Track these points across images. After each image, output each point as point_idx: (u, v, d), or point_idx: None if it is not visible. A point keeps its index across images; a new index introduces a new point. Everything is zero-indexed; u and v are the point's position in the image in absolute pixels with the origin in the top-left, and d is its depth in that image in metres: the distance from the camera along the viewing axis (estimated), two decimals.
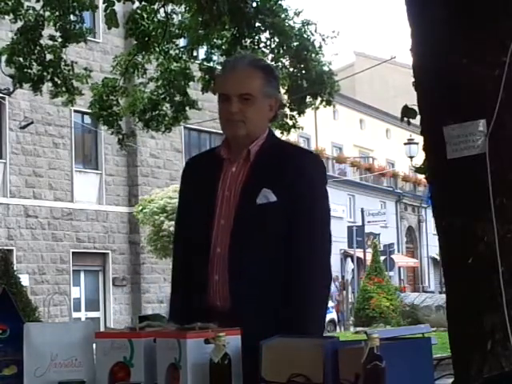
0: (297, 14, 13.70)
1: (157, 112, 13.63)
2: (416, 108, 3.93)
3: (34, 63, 12.17)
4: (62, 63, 12.46)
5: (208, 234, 2.94)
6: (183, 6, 12.43)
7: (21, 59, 12.07)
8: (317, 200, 2.97)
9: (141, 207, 25.12)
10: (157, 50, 12.89)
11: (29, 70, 12.19)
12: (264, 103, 2.97)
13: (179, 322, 2.57)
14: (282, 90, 14.10)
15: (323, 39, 14.17)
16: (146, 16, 12.27)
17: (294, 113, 14.13)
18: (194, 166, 3.16)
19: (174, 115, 13.66)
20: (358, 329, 23.68)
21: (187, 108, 13.60)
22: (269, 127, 3.08)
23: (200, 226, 2.98)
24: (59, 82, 12.51)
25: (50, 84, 12.69)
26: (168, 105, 13.65)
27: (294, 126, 14.36)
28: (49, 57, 12.32)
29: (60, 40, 12.22)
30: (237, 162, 2.99)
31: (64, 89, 12.63)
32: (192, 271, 3.00)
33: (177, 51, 13.40)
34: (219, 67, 12.82)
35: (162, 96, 13.53)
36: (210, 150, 3.22)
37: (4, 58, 12.42)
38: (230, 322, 2.48)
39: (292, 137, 19.19)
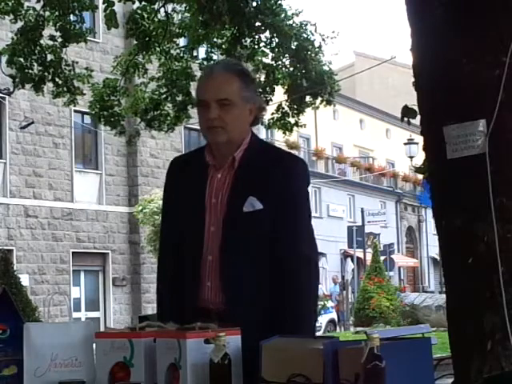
0: (296, 14, 13.71)
1: (159, 112, 13.63)
2: (416, 108, 3.93)
3: (34, 63, 12.16)
4: (63, 63, 12.46)
5: (199, 242, 2.95)
6: (183, 6, 12.43)
7: (22, 60, 12.06)
8: (303, 202, 3.00)
9: (141, 207, 25.10)
10: (157, 49, 12.89)
11: (30, 71, 12.18)
12: (243, 108, 2.97)
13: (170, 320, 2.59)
14: (282, 90, 14.12)
15: (323, 39, 14.18)
16: (146, 16, 12.27)
17: (295, 112, 14.13)
18: (179, 168, 3.14)
19: (176, 115, 13.66)
20: (358, 329, 23.67)
21: (189, 107, 13.60)
22: (252, 130, 3.08)
23: (191, 233, 2.99)
24: (60, 82, 12.51)
25: (50, 84, 12.68)
26: (170, 104, 13.64)
27: (296, 124, 14.36)
28: (49, 57, 12.31)
29: (60, 40, 12.21)
30: (222, 169, 3.00)
31: (65, 89, 12.63)
32: (183, 277, 3.01)
33: (178, 51, 13.40)
34: None
35: (164, 96, 13.53)
36: (195, 150, 3.20)
37: (5, 58, 12.42)
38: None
39: (292, 137, 19.19)
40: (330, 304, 27.19)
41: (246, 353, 2.35)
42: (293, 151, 21.91)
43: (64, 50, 12.36)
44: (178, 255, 3.03)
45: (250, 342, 2.35)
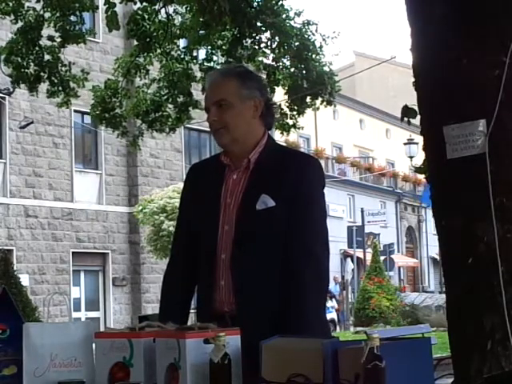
0: (297, 14, 13.67)
1: (160, 113, 13.62)
2: (416, 108, 3.93)
3: (31, 63, 12.16)
4: (60, 64, 12.44)
5: (214, 241, 2.99)
6: (184, 7, 12.41)
7: (18, 59, 12.06)
8: (316, 201, 3.01)
9: (141, 207, 25.09)
10: (158, 51, 12.88)
11: (26, 70, 12.17)
12: (243, 106, 3.00)
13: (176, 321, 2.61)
14: (283, 91, 14.09)
15: (324, 39, 14.13)
16: (147, 17, 12.26)
17: (294, 113, 14.11)
18: (198, 172, 3.20)
19: (177, 116, 13.65)
20: (358, 329, 23.67)
21: (190, 108, 13.59)
22: (268, 133, 3.10)
23: (206, 233, 3.03)
24: (56, 81, 12.50)
25: (46, 84, 12.67)
26: (171, 106, 13.63)
27: (294, 126, 14.34)
28: (47, 57, 12.30)
29: (59, 40, 12.19)
30: (238, 170, 3.04)
31: (60, 88, 12.61)
32: (198, 278, 3.06)
33: (178, 52, 13.39)
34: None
35: (165, 97, 13.51)
36: (214, 156, 3.24)
37: (2, 57, 12.42)
38: (239, 326, 2.47)
39: (292, 137, 19.18)
40: (329, 304, 27.18)
41: (255, 352, 2.34)
42: None
43: (62, 50, 12.34)
44: (191, 257, 3.07)
45: (260, 341, 2.34)
